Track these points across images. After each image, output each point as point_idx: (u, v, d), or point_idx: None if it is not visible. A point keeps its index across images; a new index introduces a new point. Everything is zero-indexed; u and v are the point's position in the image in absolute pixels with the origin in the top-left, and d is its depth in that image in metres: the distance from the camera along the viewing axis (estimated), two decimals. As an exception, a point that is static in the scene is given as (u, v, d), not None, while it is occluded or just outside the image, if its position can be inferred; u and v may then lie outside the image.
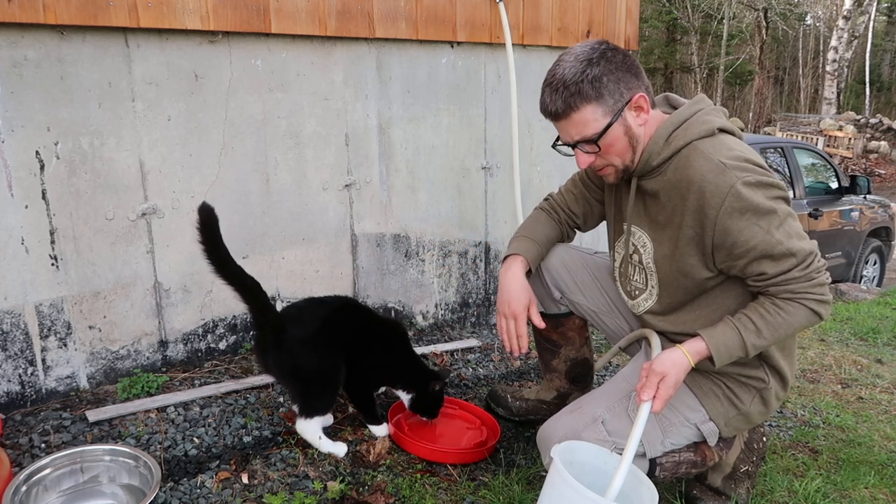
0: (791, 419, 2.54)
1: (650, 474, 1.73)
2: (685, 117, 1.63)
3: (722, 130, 1.63)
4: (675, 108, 1.70)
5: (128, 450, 1.83)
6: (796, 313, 1.57)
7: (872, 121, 18.96)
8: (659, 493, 1.92)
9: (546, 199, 2.09)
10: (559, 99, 1.56)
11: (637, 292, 1.83)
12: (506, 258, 1.95)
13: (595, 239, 3.50)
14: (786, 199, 1.58)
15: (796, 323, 1.58)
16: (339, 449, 2.01)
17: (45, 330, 2.13)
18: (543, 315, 2.11)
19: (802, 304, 1.56)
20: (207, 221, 1.80)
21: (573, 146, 1.63)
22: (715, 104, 1.72)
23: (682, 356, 1.59)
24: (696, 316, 1.72)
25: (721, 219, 1.53)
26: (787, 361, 1.76)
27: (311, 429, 1.99)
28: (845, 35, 20.48)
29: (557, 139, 1.69)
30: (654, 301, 1.78)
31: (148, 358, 2.36)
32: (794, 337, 1.78)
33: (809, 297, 1.56)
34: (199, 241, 1.81)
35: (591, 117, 1.56)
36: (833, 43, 20.46)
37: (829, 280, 1.60)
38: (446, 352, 2.79)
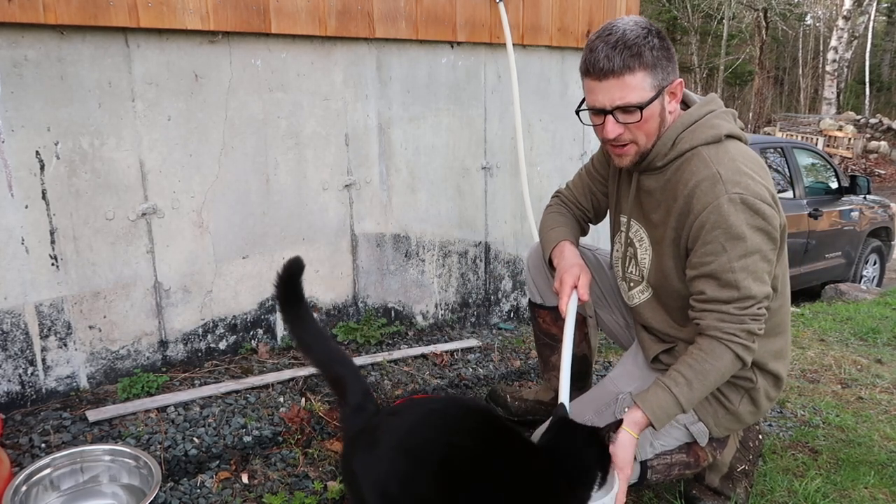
0: (791, 419, 2.54)
1: (642, 478, 1.73)
2: (695, 119, 1.60)
3: (730, 136, 1.60)
4: (686, 104, 1.68)
5: (128, 450, 1.83)
6: (723, 357, 1.54)
7: (872, 121, 18.95)
8: (658, 492, 1.94)
9: (556, 196, 2.06)
10: (617, 56, 1.48)
11: (633, 284, 1.83)
12: (553, 248, 1.88)
13: (593, 237, 3.50)
14: (766, 232, 1.51)
15: (723, 368, 1.55)
16: None
17: (45, 330, 2.13)
18: (543, 307, 2.11)
19: (728, 348, 1.53)
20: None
21: (608, 112, 1.55)
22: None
23: (624, 434, 1.54)
24: (685, 326, 1.71)
25: (696, 226, 1.53)
26: (778, 362, 1.74)
27: None
28: (845, 35, 20.47)
29: (581, 102, 1.62)
30: (648, 295, 1.79)
31: (148, 358, 2.36)
32: (786, 337, 1.77)
33: (736, 340, 1.53)
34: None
35: (640, 84, 1.50)
36: (833, 43, 20.45)
37: (761, 331, 1.56)
38: (446, 352, 2.79)
